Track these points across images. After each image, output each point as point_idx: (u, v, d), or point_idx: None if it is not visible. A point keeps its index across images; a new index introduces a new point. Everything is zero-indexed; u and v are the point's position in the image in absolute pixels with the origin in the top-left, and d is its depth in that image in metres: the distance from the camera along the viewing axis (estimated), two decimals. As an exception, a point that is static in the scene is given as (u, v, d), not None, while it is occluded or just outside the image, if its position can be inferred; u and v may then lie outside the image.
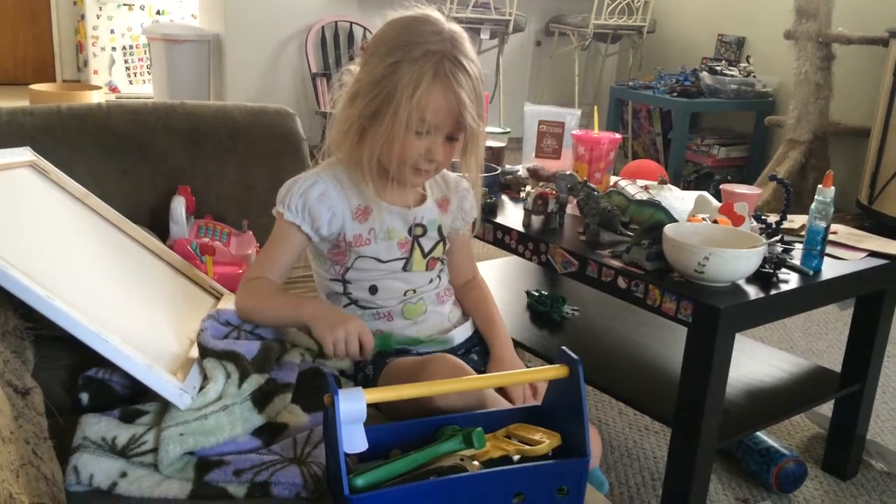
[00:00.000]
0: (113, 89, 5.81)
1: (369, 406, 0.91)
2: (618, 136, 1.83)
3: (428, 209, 1.29)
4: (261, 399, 1.08)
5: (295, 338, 1.25)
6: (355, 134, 1.19)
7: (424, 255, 1.29)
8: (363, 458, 0.95)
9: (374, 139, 1.17)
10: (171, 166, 1.77)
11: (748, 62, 4.50)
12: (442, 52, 1.13)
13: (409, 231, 1.27)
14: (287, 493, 0.96)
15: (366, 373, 1.24)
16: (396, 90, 1.12)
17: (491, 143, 1.93)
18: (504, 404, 1.18)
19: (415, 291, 1.29)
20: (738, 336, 1.39)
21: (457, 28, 1.18)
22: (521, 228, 1.63)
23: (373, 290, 1.27)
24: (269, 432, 1.07)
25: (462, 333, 1.33)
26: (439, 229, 1.30)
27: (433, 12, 1.19)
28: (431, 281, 1.31)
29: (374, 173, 1.21)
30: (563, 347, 1.02)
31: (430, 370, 1.12)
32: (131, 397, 1.10)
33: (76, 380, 1.11)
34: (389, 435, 1.01)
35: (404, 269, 1.27)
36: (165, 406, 1.03)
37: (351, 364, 1.27)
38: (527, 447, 1.00)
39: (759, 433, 1.75)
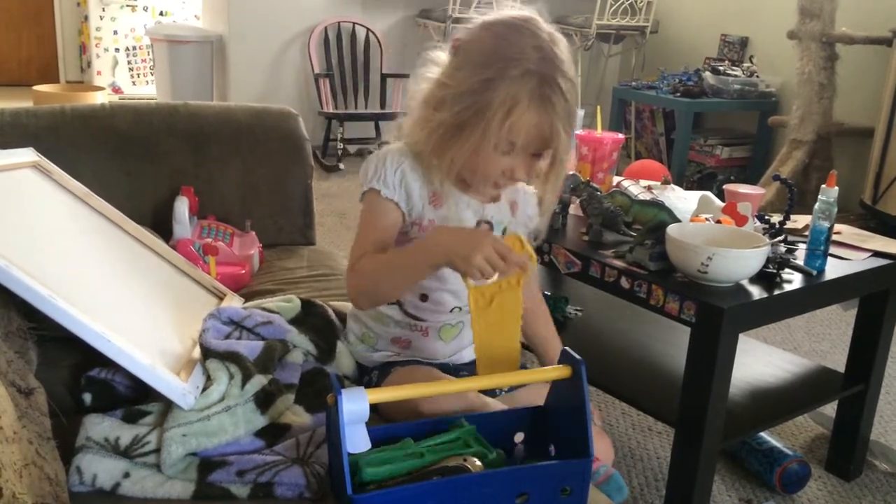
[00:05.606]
0: (116, 90, 5.82)
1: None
2: (621, 136, 1.82)
3: (499, 209, 1.23)
4: (264, 400, 1.08)
5: (296, 339, 1.24)
6: (440, 139, 1.10)
7: None
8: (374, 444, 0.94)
9: (457, 151, 1.09)
10: (175, 167, 1.78)
11: (751, 62, 4.49)
12: (541, 73, 1.05)
13: (478, 225, 1.20)
14: (290, 493, 0.96)
15: (370, 377, 1.24)
16: (489, 109, 1.05)
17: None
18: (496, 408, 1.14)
19: (461, 309, 1.23)
20: (741, 336, 1.39)
21: (557, 38, 1.10)
22: (523, 229, 1.62)
23: (424, 297, 1.21)
24: (272, 433, 1.07)
25: (471, 352, 1.31)
26: (504, 232, 1.23)
27: (533, 16, 1.10)
28: None
29: (451, 178, 1.15)
30: (566, 348, 1.02)
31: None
32: (134, 398, 1.10)
33: (79, 380, 1.11)
34: (390, 434, 1.00)
35: None
36: (168, 407, 1.03)
37: (355, 370, 1.26)
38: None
39: (762, 433, 1.75)
